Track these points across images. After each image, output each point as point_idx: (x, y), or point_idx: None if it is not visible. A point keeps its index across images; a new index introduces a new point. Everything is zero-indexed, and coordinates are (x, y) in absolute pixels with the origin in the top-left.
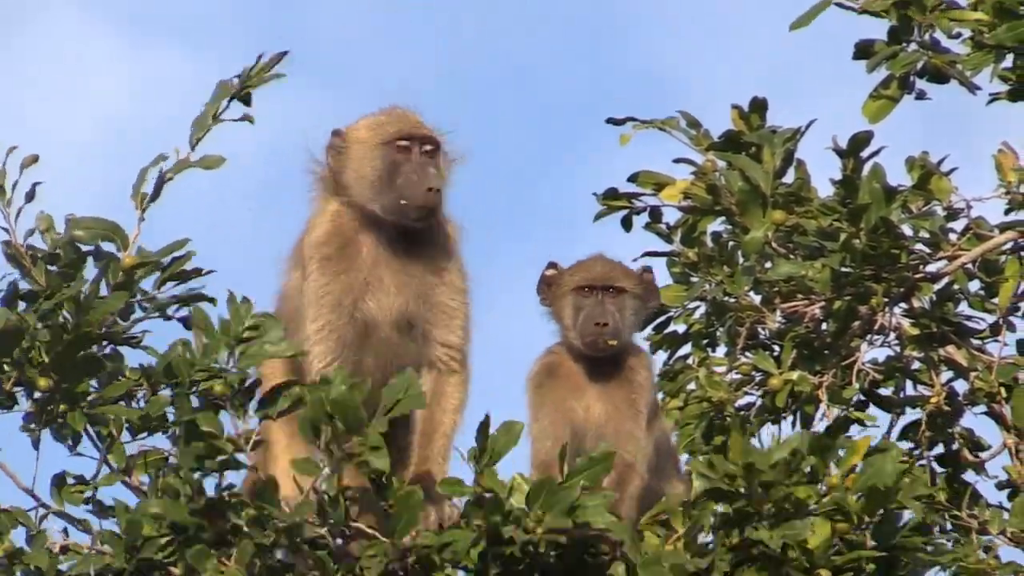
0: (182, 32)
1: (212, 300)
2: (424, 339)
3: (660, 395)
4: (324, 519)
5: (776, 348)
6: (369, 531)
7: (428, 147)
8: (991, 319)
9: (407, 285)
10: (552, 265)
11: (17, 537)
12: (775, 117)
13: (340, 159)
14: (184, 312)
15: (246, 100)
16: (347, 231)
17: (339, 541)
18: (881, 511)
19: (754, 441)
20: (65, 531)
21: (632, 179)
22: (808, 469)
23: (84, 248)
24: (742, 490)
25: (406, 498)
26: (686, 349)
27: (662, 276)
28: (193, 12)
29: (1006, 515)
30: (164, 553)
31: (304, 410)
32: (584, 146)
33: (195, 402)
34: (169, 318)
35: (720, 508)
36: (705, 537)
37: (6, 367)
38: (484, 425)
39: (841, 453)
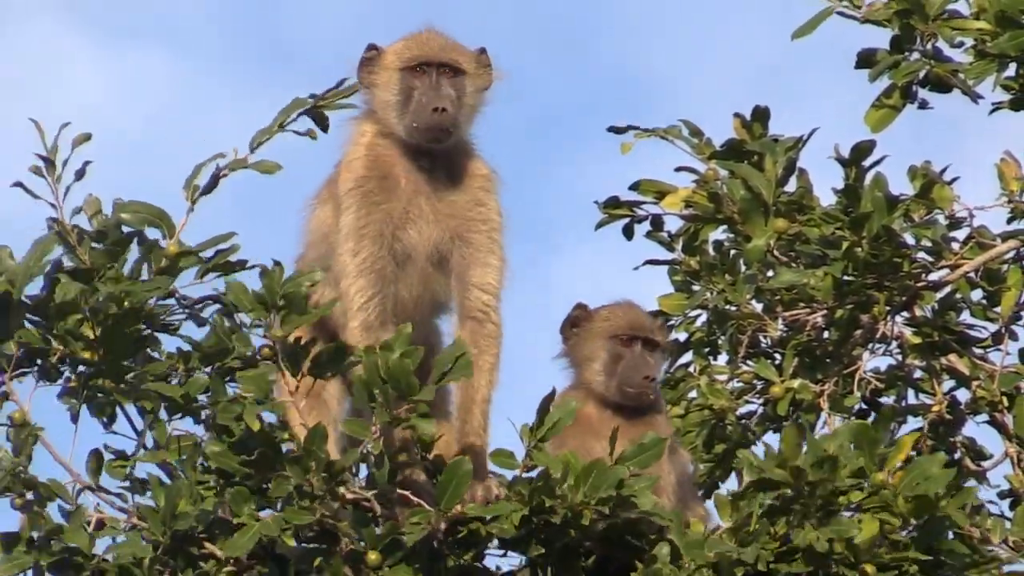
0: (161, 35)
1: (231, 305)
2: (459, 280)
3: None
4: (370, 482)
5: (778, 356)
6: (415, 500)
7: (448, 70)
8: (993, 328)
9: (446, 216)
10: (581, 306)
11: (52, 512)
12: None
13: (370, 79)
14: (211, 310)
15: (321, 119)
16: (385, 161)
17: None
18: (928, 516)
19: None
20: (97, 507)
21: (634, 187)
22: (857, 467)
23: (129, 231)
24: (790, 485)
25: (455, 467)
26: (688, 357)
27: (663, 284)
28: (171, 14)
29: (1008, 524)
30: (199, 527)
31: (360, 374)
32: (572, 151)
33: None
34: (203, 322)
35: (767, 500)
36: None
37: (54, 341)
38: (547, 400)
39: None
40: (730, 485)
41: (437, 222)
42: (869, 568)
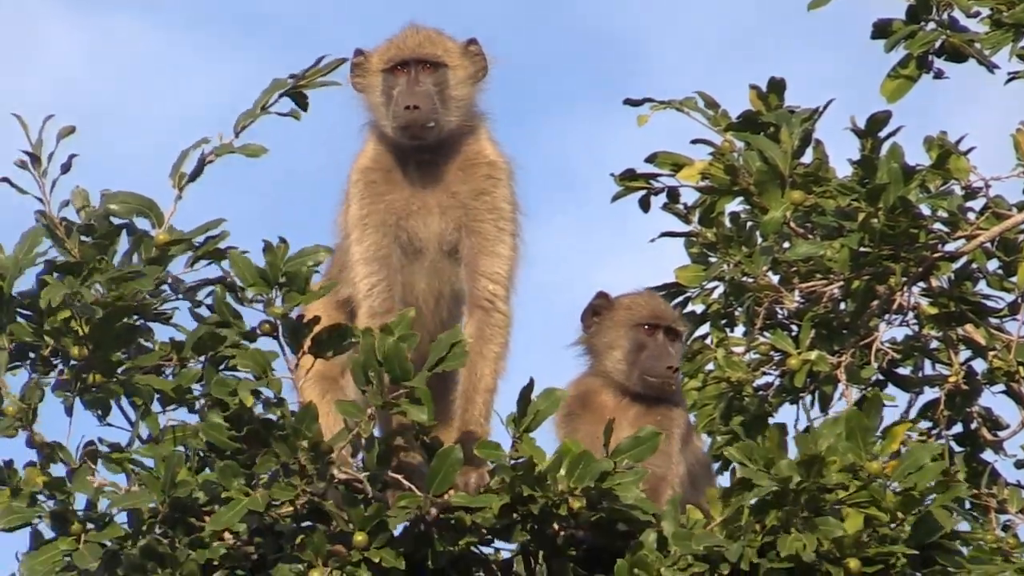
0: None
1: (235, 289)
2: (468, 270)
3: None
4: (363, 464)
5: (794, 328)
6: (406, 483)
7: (427, 66)
8: (1009, 298)
9: (451, 207)
10: (603, 295)
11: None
12: (742, 78)
13: (361, 84)
14: (206, 292)
15: (301, 100)
16: (390, 156)
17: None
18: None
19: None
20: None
21: (650, 159)
22: (848, 462)
23: (118, 222)
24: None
25: (445, 455)
26: (704, 329)
27: (680, 256)
28: None
29: None
30: (199, 494)
31: (357, 355)
32: (547, 113)
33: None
34: (198, 304)
35: (754, 499)
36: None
37: (45, 336)
38: (526, 391)
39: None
40: None
41: (442, 213)
42: (852, 563)
